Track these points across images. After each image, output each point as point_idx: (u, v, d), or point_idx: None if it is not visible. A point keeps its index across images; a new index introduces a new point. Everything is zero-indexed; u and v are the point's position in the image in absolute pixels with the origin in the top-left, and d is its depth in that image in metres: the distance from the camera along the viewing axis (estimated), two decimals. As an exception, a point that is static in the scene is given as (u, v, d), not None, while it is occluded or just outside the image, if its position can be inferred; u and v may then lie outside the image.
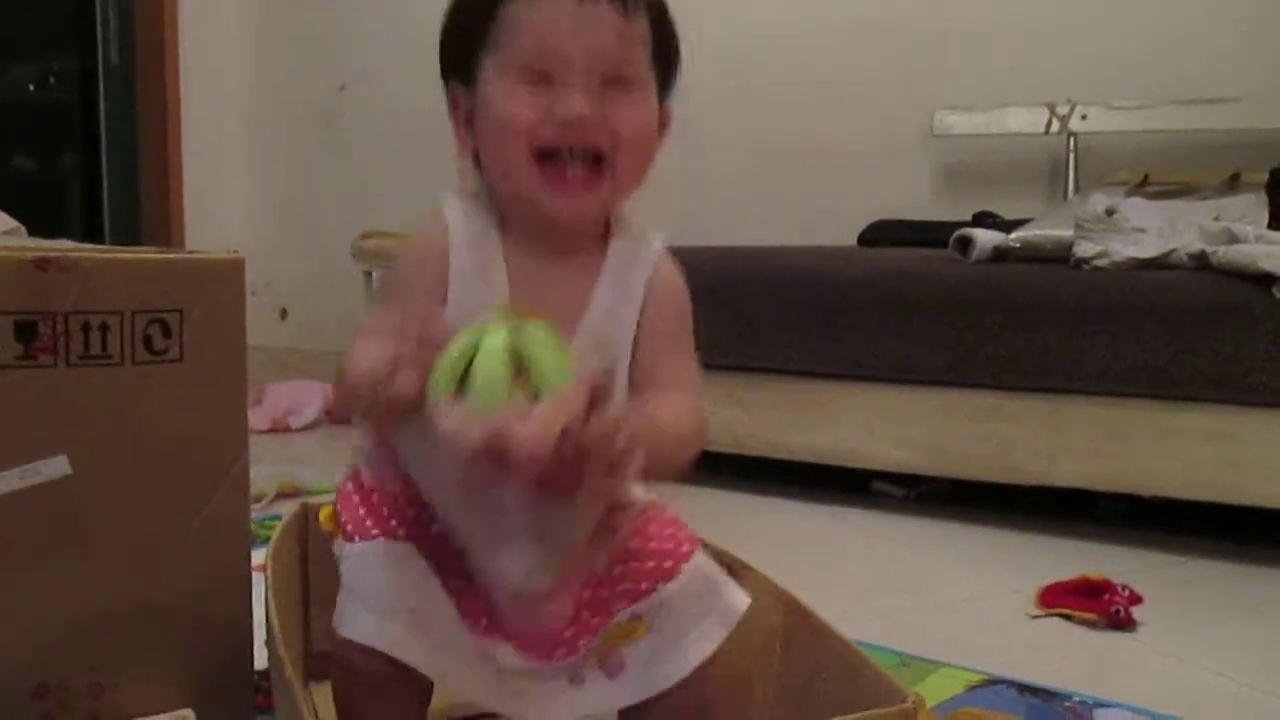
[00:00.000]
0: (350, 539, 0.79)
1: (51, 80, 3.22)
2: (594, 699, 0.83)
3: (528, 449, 0.62)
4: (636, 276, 0.84)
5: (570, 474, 0.64)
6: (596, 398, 0.64)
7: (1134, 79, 2.42)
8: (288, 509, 1.04)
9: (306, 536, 1.02)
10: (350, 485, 0.84)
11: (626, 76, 0.80)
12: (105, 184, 3.17)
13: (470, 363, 0.64)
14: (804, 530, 1.82)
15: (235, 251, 0.89)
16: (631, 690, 0.82)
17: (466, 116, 0.84)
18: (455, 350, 0.65)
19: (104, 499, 0.85)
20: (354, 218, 2.88)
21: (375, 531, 0.79)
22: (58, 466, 0.84)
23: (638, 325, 0.84)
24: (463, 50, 0.83)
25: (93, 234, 3.16)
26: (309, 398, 2.61)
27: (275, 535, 0.96)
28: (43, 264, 0.81)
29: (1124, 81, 2.42)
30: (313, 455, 2.24)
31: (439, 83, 0.87)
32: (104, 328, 0.84)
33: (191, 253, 0.90)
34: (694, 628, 0.81)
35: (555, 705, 0.82)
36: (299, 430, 2.53)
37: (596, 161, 0.79)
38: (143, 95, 3.14)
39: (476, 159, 0.86)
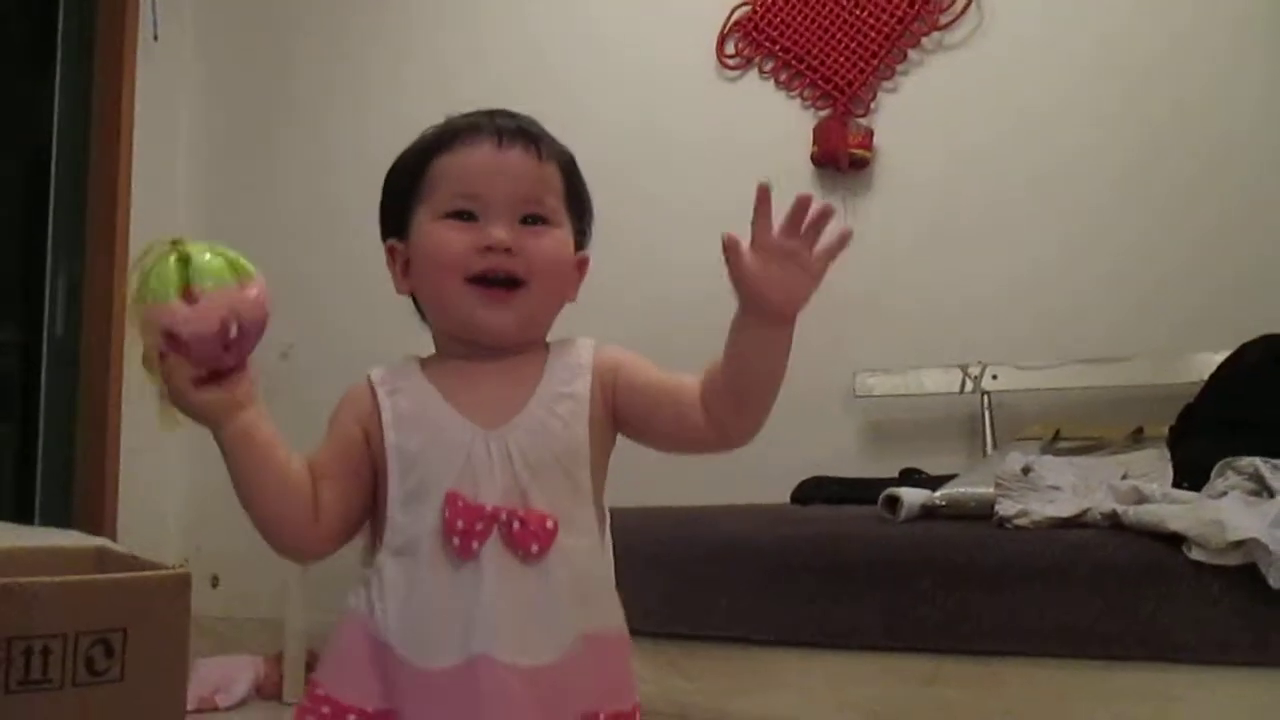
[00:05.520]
0: None
1: (-6, 349, 3.26)
2: None
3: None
4: (576, 375, 0.96)
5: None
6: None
7: (1041, 339, 2.58)
8: None
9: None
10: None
11: (541, 215, 0.95)
12: (40, 454, 3.16)
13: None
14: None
15: (182, 565, 0.92)
16: None
17: (404, 266, 0.97)
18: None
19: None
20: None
21: None
22: (-15, 798, 0.82)
23: (602, 406, 0.97)
24: (398, 208, 0.97)
25: (24, 502, 3.12)
26: (239, 673, 2.54)
27: None
28: (-12, 590, 0.83)
29: (1032, 341, 2.59)
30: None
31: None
32: (45, 651, 0.84)
33: (136, 568, 0.92)
34: None
35: None
36: (228, 709, 2.44)
37: (515, 285, 0.93)
38: (85, 367, 3.18)
39: (416, 302, 1.00)
